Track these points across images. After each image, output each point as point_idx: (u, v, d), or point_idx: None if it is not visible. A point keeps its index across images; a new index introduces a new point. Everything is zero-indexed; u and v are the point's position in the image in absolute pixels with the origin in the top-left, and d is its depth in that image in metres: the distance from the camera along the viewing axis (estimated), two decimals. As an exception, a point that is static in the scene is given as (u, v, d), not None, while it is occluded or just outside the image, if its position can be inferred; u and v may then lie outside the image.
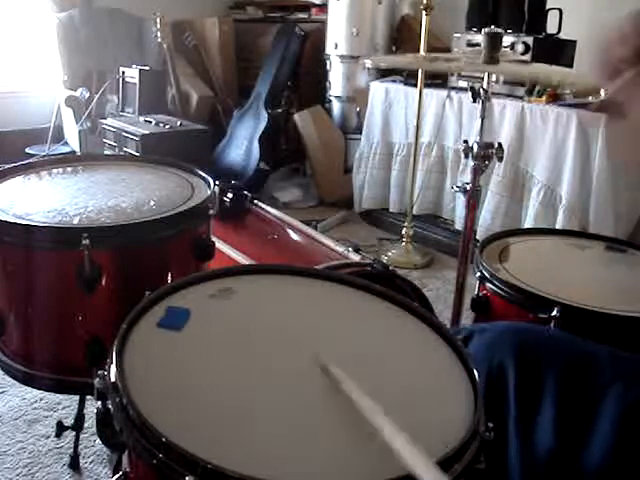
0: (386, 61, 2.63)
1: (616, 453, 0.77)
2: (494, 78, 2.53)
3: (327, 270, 1.03)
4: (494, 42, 1.38)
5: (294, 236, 1.70)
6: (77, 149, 3.52)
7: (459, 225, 2.87)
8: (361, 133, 3.34)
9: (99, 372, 0.68)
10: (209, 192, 1.18)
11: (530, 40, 2.62)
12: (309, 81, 3.89)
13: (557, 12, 2.76)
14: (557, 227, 2.43)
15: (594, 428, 0.78)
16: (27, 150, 3.68)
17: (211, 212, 1.15)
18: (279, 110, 3.78)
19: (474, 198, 1.53)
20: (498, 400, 0.83)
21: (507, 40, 2.61)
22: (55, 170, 1.32)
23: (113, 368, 0.66)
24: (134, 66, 3.68)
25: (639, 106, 0.77)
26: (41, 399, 1.78)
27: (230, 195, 1.73)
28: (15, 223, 1.03)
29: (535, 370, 0.84)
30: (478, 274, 1.19)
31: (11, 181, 1.24)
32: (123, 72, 3.74)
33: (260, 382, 0.70)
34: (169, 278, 1.13)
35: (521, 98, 2.65)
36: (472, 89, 1.50)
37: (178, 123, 3.24)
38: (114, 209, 1.11)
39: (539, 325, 1.03)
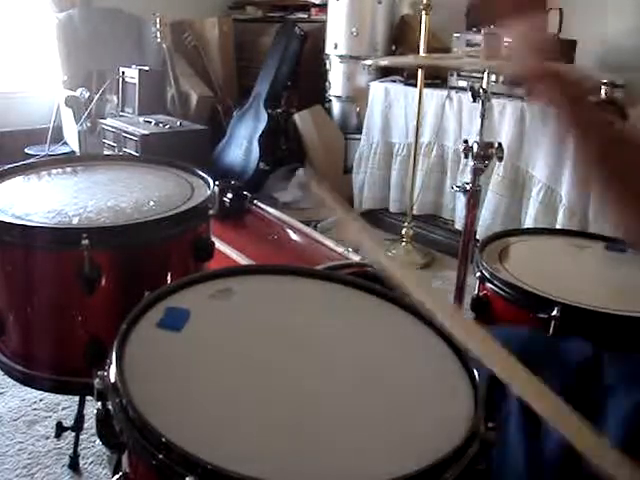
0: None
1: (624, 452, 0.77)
2: (494, 78, 2.53)
3: (327, 270, 1.03)
4: (494, 42, 1.38)
5: (294, 236, 1.70)
6: (77, 149, 3.52)
7: (459, 225, 2.86)
8: (361, 133, 3.34)
9: (99, 373, 0.68)
10: (209, 192, 1.18)
11: (530, 40, 2.61)
12: (309, 81, 3.89)
13: (557, 12, 2.76)
14: (557, 227, 2.43)
15: (601, 429, 0.78)
16: (27, 150, 3.68)
17: (211, 212, 1.15)
18: (279, 110, 3.78)
19: (474, 198, 1.53)
20: (498, 405, 0.83)
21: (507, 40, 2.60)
22: (55, 170, 1.32)
23: (113, 368, 0.66)
24: (134, 66, 3.68)
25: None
26: (41, 400, 1.78)
27: (230, 195, 1.73)
28: (15, 223, 1.03)
29: (537, 374, 0.83)
30: (478, 274, 1.19)
31: (11, 181, 1.24)
32: (123, 72, 3.73)
33: (260, 382, 0.70)
34: (169, 278, 1.13)
35: (521, 98, 2.65)
36: (472, 89, 1.50)
37: (178, 123, 3.24)
38: (114, 209, 1.10)
39: (537, 331, 1.03)
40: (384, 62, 2.69)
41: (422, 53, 2.66)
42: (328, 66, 3.64)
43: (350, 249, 1.48)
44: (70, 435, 1.58)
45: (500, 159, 1.54)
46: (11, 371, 1.13)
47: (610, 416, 0.78)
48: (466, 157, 1.53)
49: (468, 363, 0.75)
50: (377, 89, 3.23)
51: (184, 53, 4.06)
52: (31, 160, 1.37)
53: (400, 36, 3.54)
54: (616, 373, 0.82)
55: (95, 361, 1.03)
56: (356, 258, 1.44)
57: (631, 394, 0.79)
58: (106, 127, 3.30)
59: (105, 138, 3.31)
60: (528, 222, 2.59)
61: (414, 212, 2.99)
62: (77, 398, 1.52)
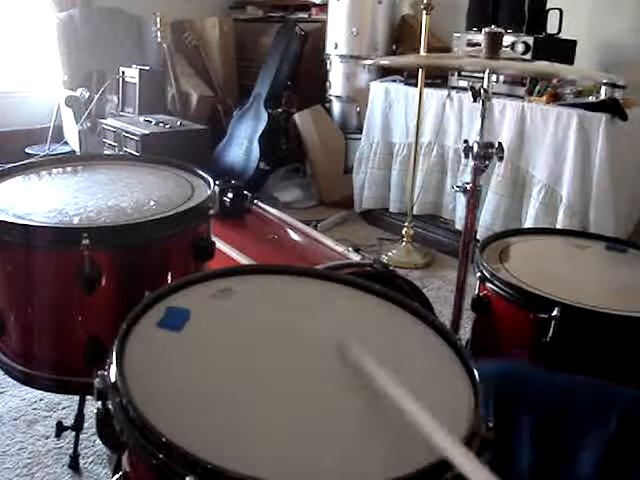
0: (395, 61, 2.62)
1: None
2: (494, 78, 2.53)
3: (327, 270, 1.03)
4: (494, 42, 1.38)
5: (294, 236, 1.70)
6: (77, 149, 3.52)
7: (459, 225, 2.86)
8: (361, 133, 3.34)
9: (99, 372, 0.68)
10: (209, 192, 1.18)
11: (530, 40, 2.61)
12: (309, 81, 3.89)
13: (557, 12, 2.76)
14: (557, 227, 2.43)
15: (575, 470, 0.78)
16: (27, 150, 3.68)
17: (211, 212, 1.15)
18: (279, 110, 3.78)
19: (474, 198, 1.53)
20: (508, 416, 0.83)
21: (507, 40, 2.60)
22: (55, 170, 1.32)
23: (113, 368, 0.66)
24: (134, 66, 3.68)
25: None
26: (41, 399, 1.78)
27: (230, 195, 1.73)
28: (15, 223, 1.02)
29: (509, 416, 0.83)
30: (478, 274, 1.19)
31: (11, 181, 1.24)
32: (123, 72, 3.73)
33: (259, 382, 0.70)
34: (169, 278, 1.13)
35: (521, 98, 2.65)
36: (472, 89, 1.50)
37: (178, 123, 3.24)
38: (114, 209, 1.10)
39: (520, 364, 1.03)
40: (384, 62, 2.69)
41: (422, 53, 2.66)
42: (328, 66, 3.65)
43: (350, 249, 1.48)
44: (70, 434, 1.58)
45: (500, 159, 1.53)
46: (11, 371, 1.13)
47: (584, 456, 0.78)
48: (466, 157, 1.52)
49: (468, 363, 0.75)
50: (377, 89, 3.23)
51: (184, 53, 4.06)
52: (31, 160, 1.36)
53: (401, 36, 3.54)
54: (588, 412, 0.82)
55: (95, 361, 1.03)
56: (356, 258, 1.44)
57: (604, 432, 0.79)
58: (106, 127, 3.30)
59: (105, 138, 3.31)
60: (528, 222, 2.59)
61: (414, 212, 2.99)
62: (77, 398, 1.52)
